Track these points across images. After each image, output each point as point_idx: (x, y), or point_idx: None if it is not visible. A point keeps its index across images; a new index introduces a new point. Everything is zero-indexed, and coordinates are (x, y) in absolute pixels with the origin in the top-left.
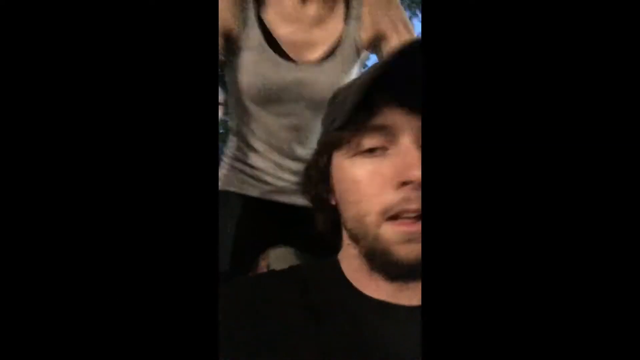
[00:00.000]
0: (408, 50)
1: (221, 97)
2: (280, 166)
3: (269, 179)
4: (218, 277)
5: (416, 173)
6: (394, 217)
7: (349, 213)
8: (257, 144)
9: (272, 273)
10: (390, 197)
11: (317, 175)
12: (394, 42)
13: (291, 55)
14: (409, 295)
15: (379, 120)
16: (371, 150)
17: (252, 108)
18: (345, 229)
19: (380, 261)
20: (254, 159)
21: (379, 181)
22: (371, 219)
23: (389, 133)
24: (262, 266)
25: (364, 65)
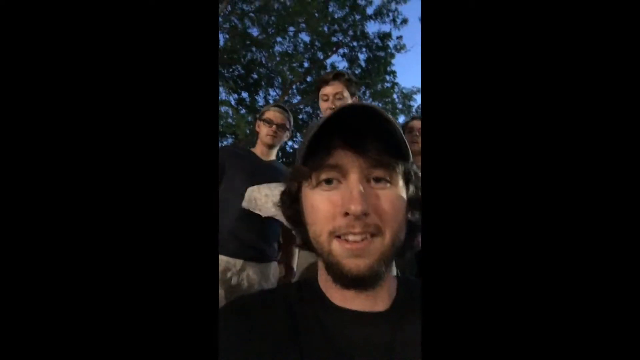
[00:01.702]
0: (354, 107)
1: None
2: None
3: None
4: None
5: (354, 207)
6: (340, 236)
7: (310, 232)
8: None
9: (261, 292)
10: (338, 222)
11: (289, 200)
12: None
13: None
14: (369, 303)
15: (333, 160)
16: (328, 182)
17: None
18: (312, 245)
19: (334, 272)
20: None
21: (329, 208)
22: (324, 238)
23: (341, 170)
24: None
25: None
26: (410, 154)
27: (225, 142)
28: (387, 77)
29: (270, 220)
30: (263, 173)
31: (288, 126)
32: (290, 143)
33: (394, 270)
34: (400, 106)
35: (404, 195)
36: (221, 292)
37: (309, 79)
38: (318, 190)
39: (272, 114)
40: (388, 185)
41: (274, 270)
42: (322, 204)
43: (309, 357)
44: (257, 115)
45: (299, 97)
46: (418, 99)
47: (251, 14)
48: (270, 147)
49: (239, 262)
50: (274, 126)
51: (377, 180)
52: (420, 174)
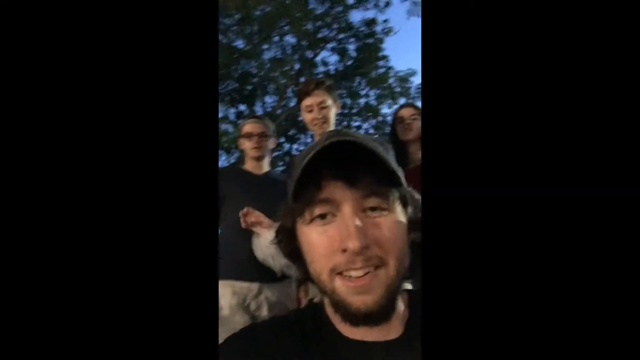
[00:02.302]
0: (338, 143)
1: None
2: None
3: None
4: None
5: (351, 244)
6: (342, 273)
7: (310, 270)
8: None
9: (272, 320)
10: (338, 259)
11: (286, 237)
12: None
13: None
14: (382, 333)
15: (324, 194)
16: (322, 217)
17: None
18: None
19: (342, 311)
20: None
21: (327, 245)
22: (325, 276)
23: (334, 204)
24: (302, 296)
25: None
26: (403, 178)
27: (231, 158)
28: (380, 63)
29: None
30: (259, 188)
31: (269, 133)
32: (295, 146)
33: (406, 285)
34: (398, 89)
35: (404, 219)
36: (244, 319)
37: (302, 79)
38: (313, 226)
39: (249, 126)
40: (385, 212)
41: (294, 286)
42: (319, 241)
43: None
44: (237, 134)
45: (295, 100)
46: (414, 80)
47: (233, 27)
48: (259, 159)
49: (254, 286)
50: (255, 137)
51: (373, 209)
52: (417, 196)
